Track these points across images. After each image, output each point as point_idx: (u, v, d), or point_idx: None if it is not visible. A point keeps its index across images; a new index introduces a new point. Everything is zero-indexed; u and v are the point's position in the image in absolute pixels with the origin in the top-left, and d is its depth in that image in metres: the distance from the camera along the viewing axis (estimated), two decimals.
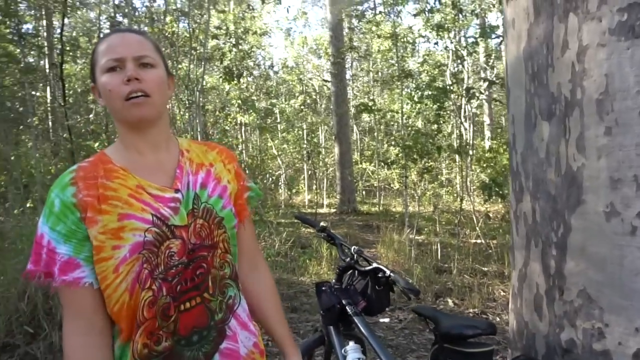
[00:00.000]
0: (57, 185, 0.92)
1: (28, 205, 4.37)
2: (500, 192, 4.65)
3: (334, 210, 10.78)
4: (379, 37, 10.33)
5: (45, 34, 9.20)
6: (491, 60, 11.31)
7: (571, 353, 1.22)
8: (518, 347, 1.44)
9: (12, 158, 5.49)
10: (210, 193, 1.01)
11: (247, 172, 8.47)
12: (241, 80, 10.18)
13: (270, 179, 11.81)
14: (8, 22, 5.93)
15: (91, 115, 9.29)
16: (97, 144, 5.94)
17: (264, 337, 1.15)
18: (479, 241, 6.12)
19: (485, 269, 4.98)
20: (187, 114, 7.68)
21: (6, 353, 2.95)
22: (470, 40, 7.65)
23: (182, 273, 0.93)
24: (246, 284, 1.16)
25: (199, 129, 6.77)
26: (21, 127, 7.89)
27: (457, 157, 9.00)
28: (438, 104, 5.52)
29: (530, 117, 1.34)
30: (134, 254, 0.89)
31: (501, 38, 5.67)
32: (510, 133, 1.47)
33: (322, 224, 1.98)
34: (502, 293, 4.29)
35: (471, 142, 8.45)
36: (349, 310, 1.66)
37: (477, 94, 6.35)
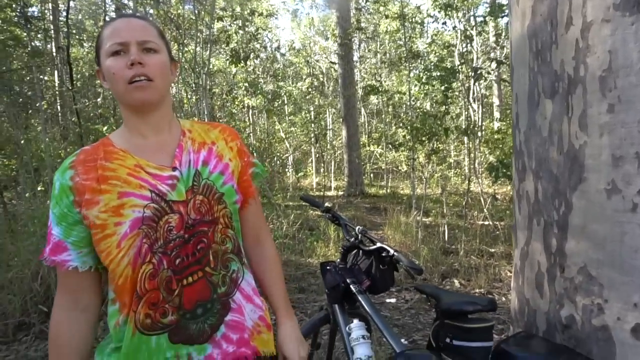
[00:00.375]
0: (60, 168, 0.97)
1: (39, 188, 4.44)
2: (508, 174, 4.63)
3: (342, 192, 10.81)
4: (386, 17, 10.18)
5: (51, 17, 9.19)
6: (501, 40, 11.11)
7: (570, 329, 1.24)
8: (520, 324, 1.46)
9: (23, 142, 5.55)
10: (212, 170, 1.03)
11: (254, 155, 8.49)
12: (248, 62, 10.13)
13: (278, 162, 11.83)
14: (14, 6, 5.93)
15: (99, 99, 9.33)
16: (105, 128, 5.99)
17: (272, 316, 1.17)
18: (486, 223, 6.12)
19: (492, 250, 4.99)
20: (194, 97, 7.68)
21: (22, 331, 3.05)
22: (480, 19, 7.51)
23: (182, 247, 0.96)
24: (251, 258, 1.19)
25: (206, 112, 6.78)
26: (30, 111, 7.96)
27: (465, 138, 8.93)
28: (445, 84, 5.46)
29: (534, 96, 1.33)
30: (134, 230, 0.92)
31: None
32: (514, 112, 1.47)
33: (326, 204, 2.00)
34: (508, 274, 4.31)
35: (480, 123, 8.37)
36: (353, 289, 1.69)
37: (484, 75, 6.26)
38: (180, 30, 7.45)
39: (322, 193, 9.71)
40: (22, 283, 3.16)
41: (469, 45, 8.26)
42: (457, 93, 7.97)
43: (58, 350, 0.97)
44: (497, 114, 12.81)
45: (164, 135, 1.03)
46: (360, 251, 1.82)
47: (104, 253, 0.93)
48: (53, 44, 9.10)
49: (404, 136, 7.68)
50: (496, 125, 11.19)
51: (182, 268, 0.96)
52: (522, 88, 1.39)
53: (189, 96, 7.96)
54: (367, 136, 15.43)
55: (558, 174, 1.25)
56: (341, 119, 11.07)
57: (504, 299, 3.78)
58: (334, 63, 14.22)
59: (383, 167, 12.99)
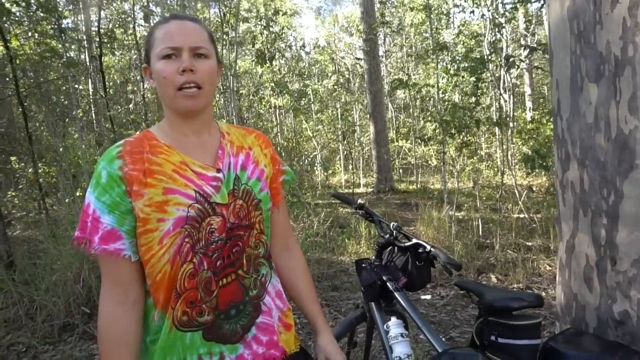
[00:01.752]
0: (104, 157, 0.96)
1: (77, 194, 4.59)
2: (544, 164, 4.46)
3: (371, 189, 10.72)
4: (411, 9, 10.02)
5: (83, 27, 9.49)
6: (531, 27, 10.75)
7: (625, 325, 1.17)
8: (567, 320, 1.39)
9: (61, 150, 5.76)
10: (250, 175, 1.05)
11: (282, 154, 8.52)
12: (273, 62, 10.18)
13: (306, 160, 11.85)
14: (49, 19, 6.15)
15: (131, 105, 9.58)
16: (137, 133, 6.13)
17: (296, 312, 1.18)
18: (522, 215, 5.94)
19: (530, 243, 4.84)
20: (222, 99, 7.78)
21: (67, 332, 3.16)
22: (509, 6, 7.28)
23: (221, 249, 0.97)
24: (279, 264, 1.19)
25: (234, 114, 6.85)
26: (67, 119, 8.25)
27: (497, 130, 8.68)
28: (476, 75, 5.31)
29: (576, 80, 1.26)
30: (177, 228, 0.93)
31: (542, 1, 5.36)
32: (555, 98, 1.40)
33: (359, 201, 1.97)
34: (547, 268, 4.17)
35: (511, 113, 8.12)
36: (389, 286, 1.66)
37: (517, 62, 6.06)
38: None
39: (351, 190, 9.67)
40: (65, 285, 3.27)
41: (498, 33, 8.02)
42: (487, 83, 7.77)
43: (111, 347, 0.94)
44: (529, 104, 12.42)
45: (204, 136, 1.04)
46: (396, 248, 1.78)
47: (144, 247, 0.94)
48: (86, 53, 9.40)
49: (434, 130, 7.54)
50: (529, 115, 10.85)
51: (220, 269, 0.97)
52: (564, 73, 1.32)
53: (217, 98, 8.06)
54: (395, 131, 15.26)
55: (606, 161, 1.19)
56: (368, 115, 10.98)
57: (544, 293, 3.66)
58: (359, 59, 14.13)
59: (412, 162, 12.82)
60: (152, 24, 1.10)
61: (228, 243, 0.98)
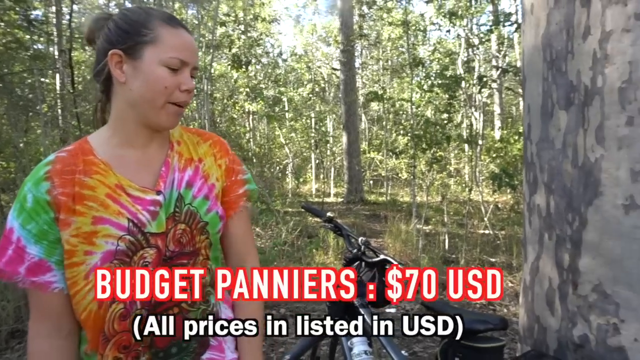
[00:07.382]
0: (31, 177, 0.85)
1: None
2: (511, 183, 4.58)
3: (341, 199, 10.76)
4: (389, 24, 10.19)
5: (54, 20, 9.17)
6: (503, 49, 11.10)
7: (583, 349, 1.19)
8: (528, 342, 1.41)
9: (22, 145, 5.51)
10: (196, 193, 0.94)
11: (254, 160, 8.42)
12: (249, 68, 10.11)
13: (278, 167, 11.78)
14: (17, 9, 5.92)
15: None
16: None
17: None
18: (487, 232, 6.07)
19: (493, 259, 4.94)
20: (194, 102, 7.65)
21: (15, 339, 2.99)
22: (484, 28, 7.51)
23: None
24: None
25: (206, 117, 6.75)
26: (30, 114, 7.93)
27: (466, 147, 8.89)
28: (450, 93, 5.43)
29: (547, 107, 1.29)
30: (105, 263, 0.83)
31: (515, 25, 5.55)
32: (525, 123, 1.43)
33: (329, 214, 1.95)
34: (509, 284, 4.26)
35: (481, 131, 8.34)
36: (355, 302, 1.64)
37: (489, 83, 6.23)
38: None
39: (321, 199, 9.66)
40: (15, 289, 3.10)
41: (472, 53, 8.25)
42: (458, 101, 7.95)
43: None
44: (497, 123, 12.80)
45: (151, 148, 0.93)
46: (363, 263, 1.77)
47: (69, 281, 0.84)
48: (55, 47, 9.08)
49: (405, 143, 7.64)
50: (497, 133, 11.17)
51: (157, 305, 0.88)
52: (535, 99, 1.35)
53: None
54: (367, 143, 15.41)
55: (572, 187, 1.21)
56: (342, 126, 11.05)
57: (505, 310, 3.73)
58: (335, 69, 14.23)
59: (383, 175, 12.95)
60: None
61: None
